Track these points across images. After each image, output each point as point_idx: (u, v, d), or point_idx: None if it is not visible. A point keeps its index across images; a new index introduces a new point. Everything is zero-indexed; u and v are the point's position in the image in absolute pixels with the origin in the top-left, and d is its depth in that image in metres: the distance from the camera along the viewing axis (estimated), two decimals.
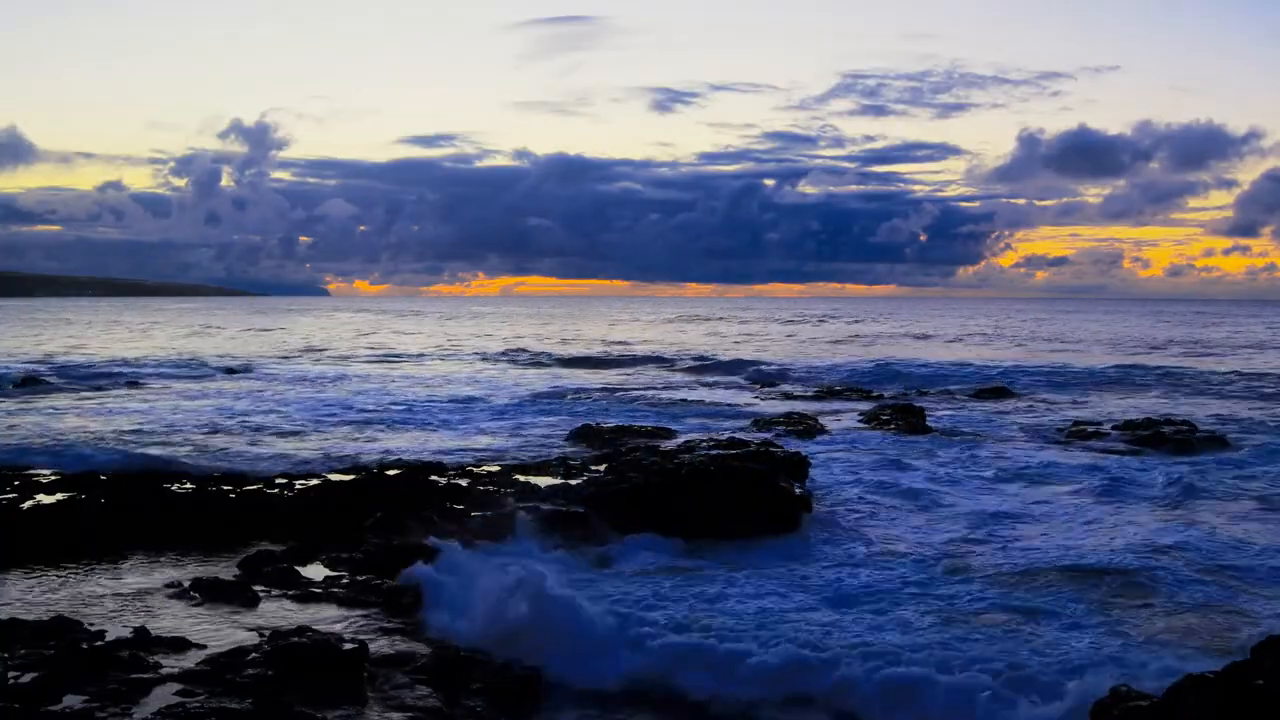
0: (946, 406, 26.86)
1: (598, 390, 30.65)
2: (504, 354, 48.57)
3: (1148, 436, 20.18)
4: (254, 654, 7.39)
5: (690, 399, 28.33)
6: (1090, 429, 21.61)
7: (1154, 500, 14.99)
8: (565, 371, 39.31)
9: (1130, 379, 34.47)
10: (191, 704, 6.64)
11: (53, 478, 13.87)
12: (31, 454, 18.01)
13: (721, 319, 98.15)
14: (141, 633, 7.89)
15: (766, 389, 32.36)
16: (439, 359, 45.21)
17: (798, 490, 13.46)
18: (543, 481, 14.33)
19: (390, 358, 45.71)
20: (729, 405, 27.18)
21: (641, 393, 30.12)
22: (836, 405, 27.33)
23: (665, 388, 32.22)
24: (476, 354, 48.74)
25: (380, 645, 8.10)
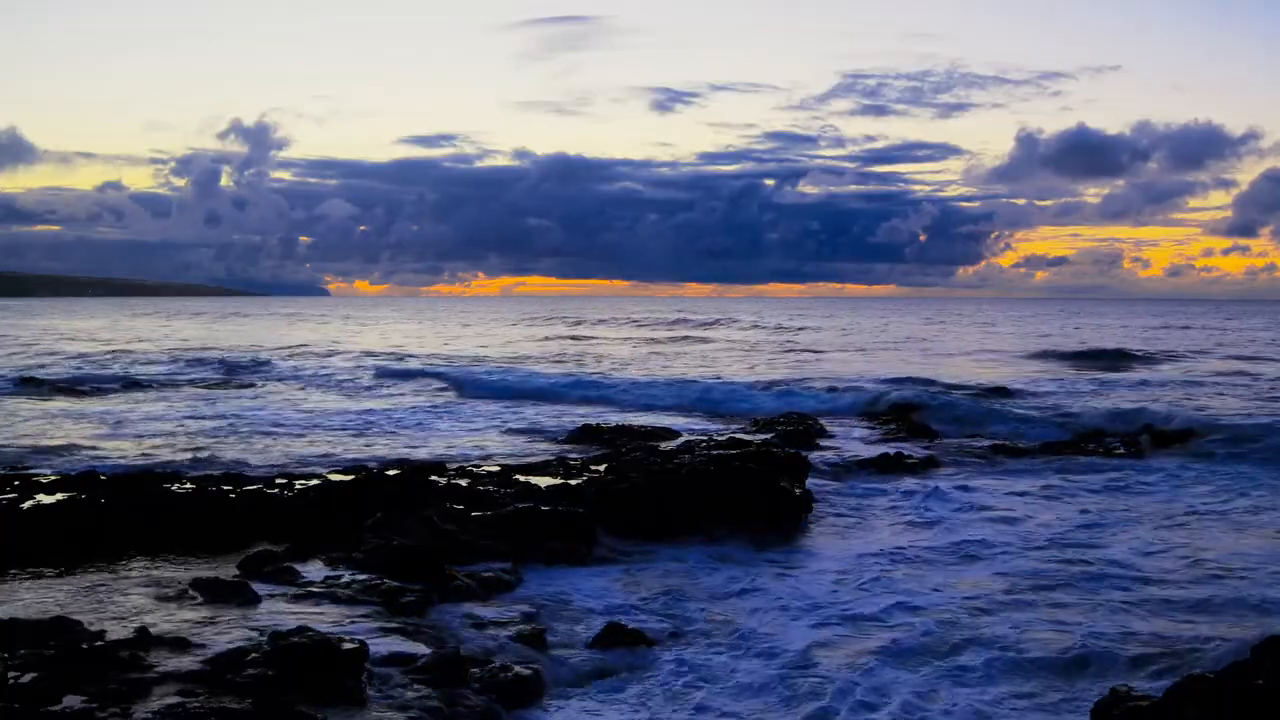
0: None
1: (593, 391, 30.67)
2: (503, 355, 48.59)
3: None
4: (254, 654, 7.38)
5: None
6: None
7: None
8: (562, 371, 39.32)
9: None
10: (191, 704, 6.62)
11: (53, 478, 13.87)
12: (31, 455, 18.05)
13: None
14: (141, 633, 7.87)
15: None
16: (438, 359, 45.21)
17: (797, 491, 13.46)
18: (543, 481, 14.32)
19: (390, 358, 45.72)
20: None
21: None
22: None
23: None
24: (476, 354, 48.76)
25: (380, 645, 8.09)
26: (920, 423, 22.66)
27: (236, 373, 37.25)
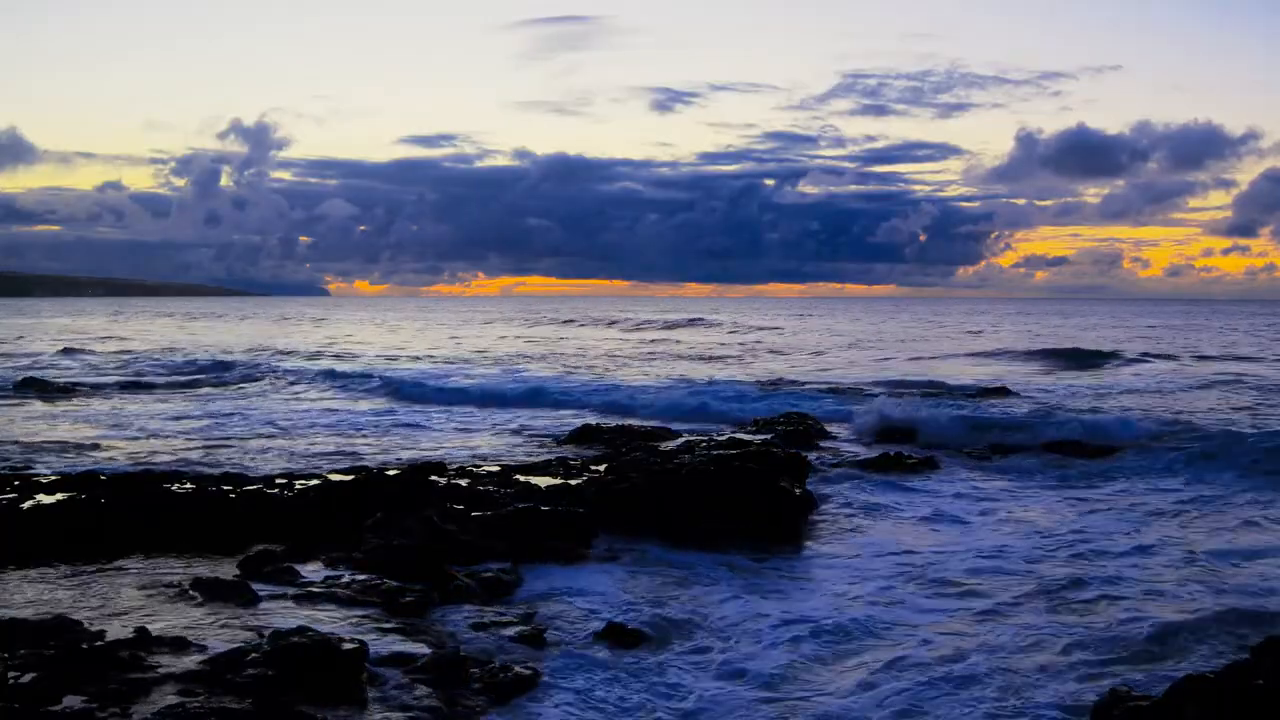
0: None
1: (591, 391, 30.65)
2: (502, 355, 48.62)
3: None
4: (254, 654, 7.38)
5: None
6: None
7: None
8: (561, 373, 39.34)
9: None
10: (191, 704, 6.63)
11: (53, 478, 13.86)
12: (31, 455, 18.05)
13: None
14: (141, 633, 7.88)
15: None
16: (437, 359, 45.21)
17: (797, 491, 13.46)
18: (543, 481, 14.32)
19: (388, 358, 45.72)
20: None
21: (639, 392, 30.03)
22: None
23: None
24: (475, 355, 48.77)
25: (380, 645, 8.10)
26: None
27: (234, 373, 37.27)
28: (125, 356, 45.02)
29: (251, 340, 59.73)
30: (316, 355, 47.03)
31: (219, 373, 37.59)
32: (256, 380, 34.93)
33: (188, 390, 31.58)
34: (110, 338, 62.59)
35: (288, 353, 47.99)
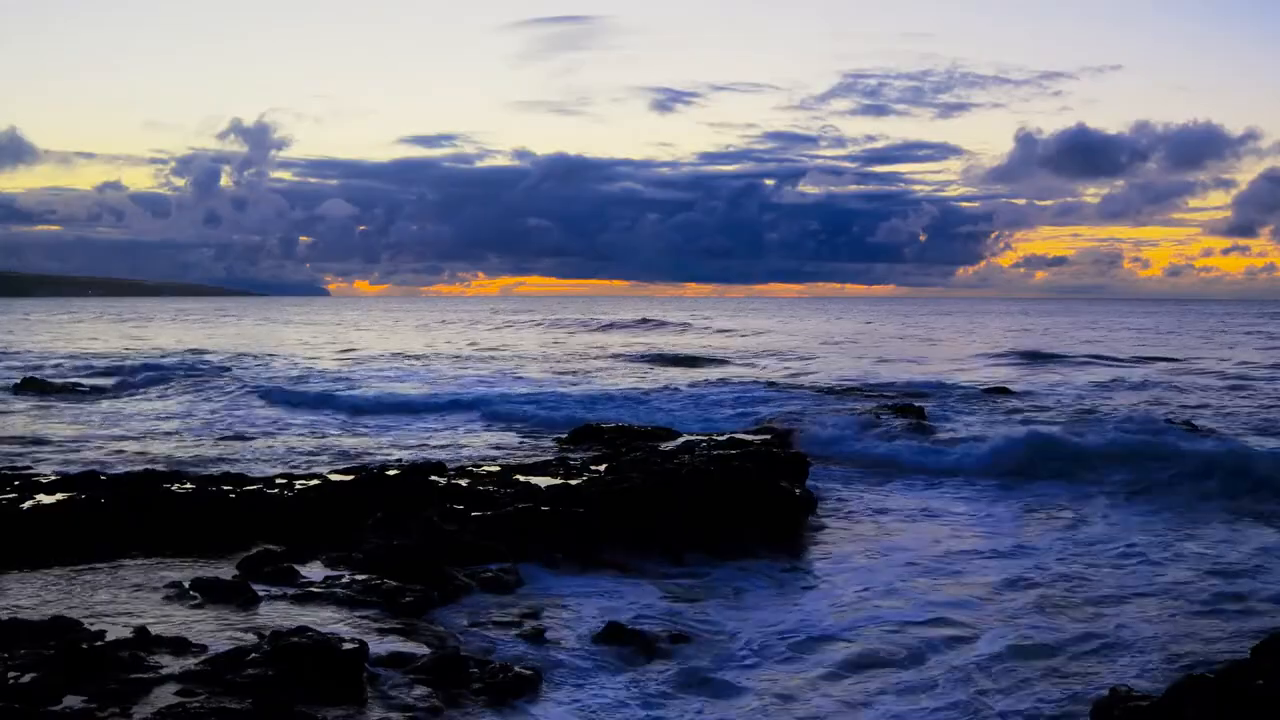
0: None
1: (592, 392, 30.67)
2: (502, 357, 48.63)
3: None
4: (254, 654, 7.38)
5: None
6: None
7: None
8: (562, 373, 39.36)
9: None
10: (191, 704, 6.63)
11: (53, 478, 13.85)
12: (31, 455, 18.06)
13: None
14: (141, 633, 7.87)
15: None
16: (436, 361, 45.21)
17: (798, 492, 13.47)
18: (543, 481, 14.30)
19: (386, 358, 45.72)
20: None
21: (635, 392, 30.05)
22: None
23: None
24: (474, 356, 48.79)
25: (380, 645, 8.10)
26: (919, 423, 22.62)
27: (232, 373, 37.24)
28: (163, 357, 44.06)
29: (287, 342, 58.92)
30: (325, 355, 46.88)
31: (104, 378, 35.15)
32: (316, 377, 34.05)
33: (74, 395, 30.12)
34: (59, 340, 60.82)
35: (330, 354, 47.32)
